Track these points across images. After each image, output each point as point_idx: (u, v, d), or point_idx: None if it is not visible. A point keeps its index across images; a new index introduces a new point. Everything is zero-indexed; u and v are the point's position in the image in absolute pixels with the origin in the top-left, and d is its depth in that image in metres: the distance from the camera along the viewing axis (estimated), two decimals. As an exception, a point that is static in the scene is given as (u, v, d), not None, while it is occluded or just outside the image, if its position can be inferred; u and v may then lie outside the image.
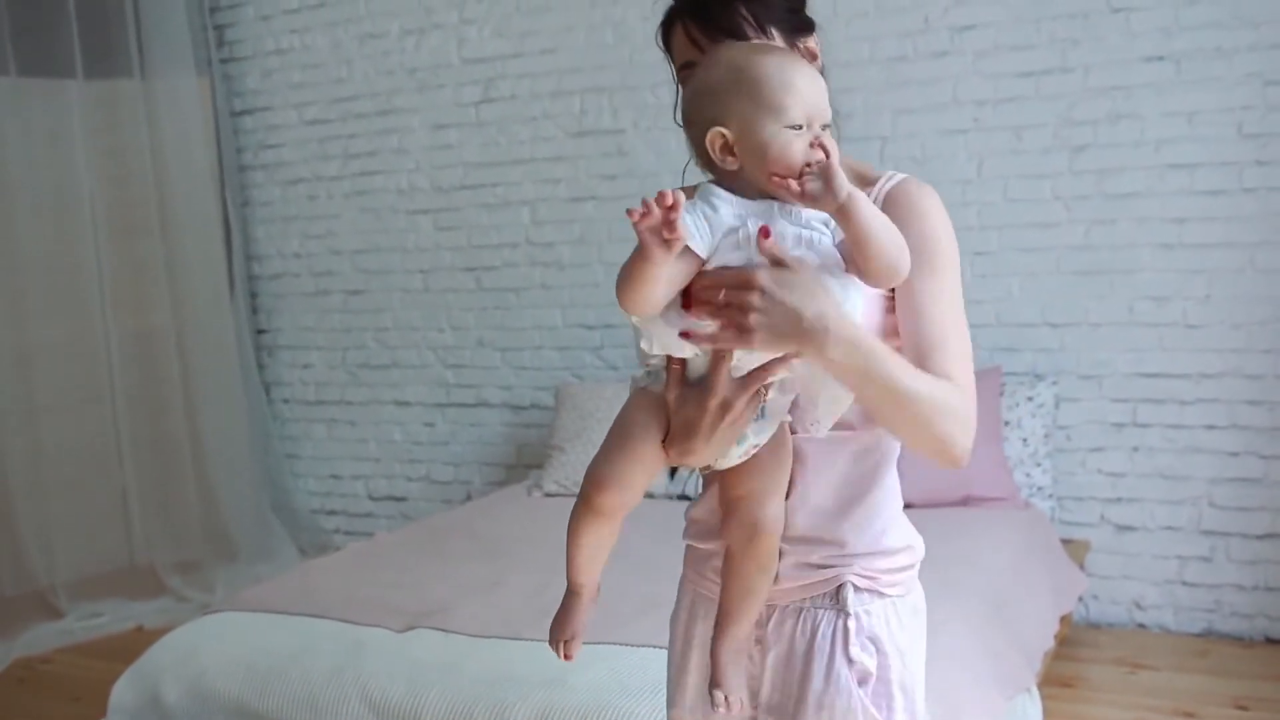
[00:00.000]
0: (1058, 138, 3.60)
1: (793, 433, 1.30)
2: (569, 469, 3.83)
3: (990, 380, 3.60)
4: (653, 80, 4.07)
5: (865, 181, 1.33)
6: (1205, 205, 3.47)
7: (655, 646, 2.30)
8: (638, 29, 4.11)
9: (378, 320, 4.76)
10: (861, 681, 1.30)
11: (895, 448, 1.36)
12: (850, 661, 1.30)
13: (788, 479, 1.30)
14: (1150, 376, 3.58)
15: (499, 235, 4.47)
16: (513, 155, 4.39)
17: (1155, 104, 3.48)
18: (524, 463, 4.51)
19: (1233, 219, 3.44)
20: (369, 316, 4.78)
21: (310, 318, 4.91)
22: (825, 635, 1.31)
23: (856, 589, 1.31)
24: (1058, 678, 3.27)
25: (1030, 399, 3.59)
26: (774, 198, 1.18)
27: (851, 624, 1.31)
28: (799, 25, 1.33)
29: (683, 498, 3.48)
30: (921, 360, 1.22)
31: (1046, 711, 2.89)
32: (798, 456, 1.30)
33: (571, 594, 1.37)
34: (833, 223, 1.18)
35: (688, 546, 1.45)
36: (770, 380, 1.20)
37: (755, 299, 1.12)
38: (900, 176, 1.33)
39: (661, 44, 1.36)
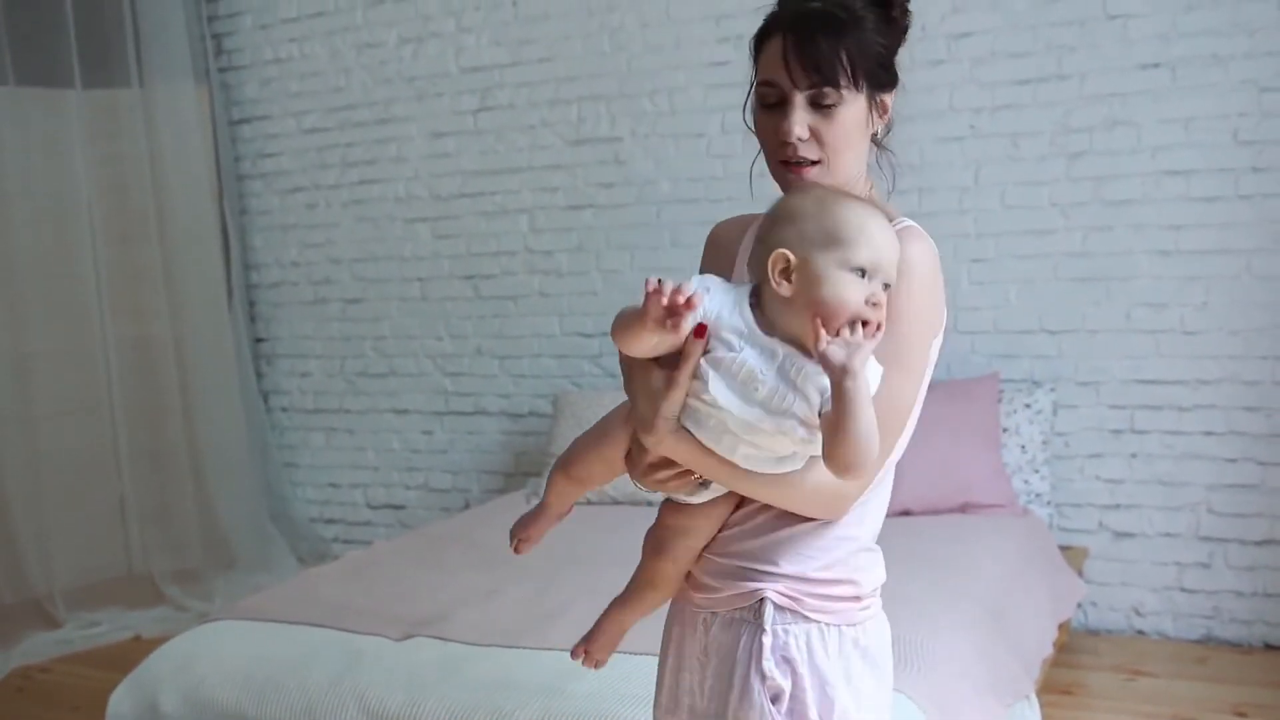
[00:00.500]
0: (1054, 145, 3.61)
1: None
2: (567, 477, 3.83)
3: (988, 387, 3.60)
4: (650, 88, 4.08)
5: None
6: (1202, 212, 3.48)
7: (653, 655, 2.30)
8: (635, 37, 4.12)
9: (376, 329, 4.76)
10: (774, 699, 1.30)
11: (872, 495, 1.38)
12: (763, 677, 1.31)
13: (717, 529, 1.38)
14: (1148, 383, 3.59)
15: (497, 243, 4.47)
16: (510, 163, 4.40)
17: (1151, 111, 3.49)
18: (522, 471, 4.51)
19: (1229, 225, 3.45)
20: (367, 325, 4.78)
21: (308, 326, 4.91)
22: (745, 648, 1.33)
23: (777, 607, 1.32)
24: (1057, 685, 3.26)
25: (1028, 406, 3.60)
26: (794, 344, 1.22)
27: (766, 640, 1.32)
28: (885, 81, 1.37)
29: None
30: None
31: (1046, 719, 2.89)
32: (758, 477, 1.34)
33: (543, 505, 1.51)
34: (825, 394, 1.19)
35: None
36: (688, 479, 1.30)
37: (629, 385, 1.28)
38: (905, 225, 1.35)
39: (752, 48, 1.39)
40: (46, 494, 4.37)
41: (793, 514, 1.34)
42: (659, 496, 1.40)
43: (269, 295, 4.98)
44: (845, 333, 1.17)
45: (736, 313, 1.24)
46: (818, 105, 1.31)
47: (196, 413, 4.70)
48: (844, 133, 1.33)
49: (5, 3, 4.27)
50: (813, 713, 1.30)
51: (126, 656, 3.44)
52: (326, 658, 2.49)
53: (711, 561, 1.39)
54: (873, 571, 1.39)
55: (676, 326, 1.18)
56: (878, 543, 1.42)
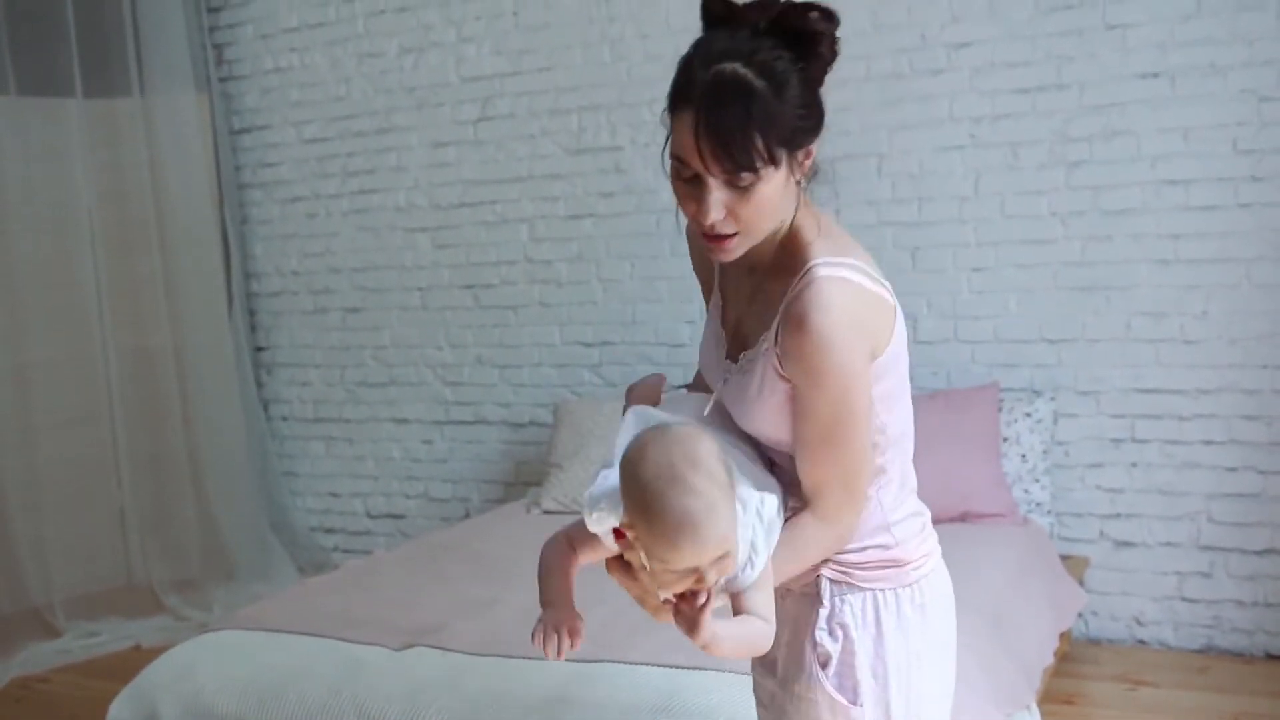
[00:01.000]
0: (1054, 154, 3.62)
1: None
2: (567, 486, 3.83)
3: (988, 396, 3.60)
4: (650, 97, 4.08)
5: (792, 268, 1.36)
6: (1201, 221, 3.48)
7: (655, 665, 2.30)
8: (635, 47, 4.13)
9: (376, 338, 4.77)
10: (824, 664, 1.43)
11: (871, 496, 1.44)
12: (814, 645, 1.44)
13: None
14: (1148, 392, 3.59)
15: (497, 253, 4.48)
16: (511, 173, 4.41)
17: (1150, 120, 3.50)
18: (522, 480, 4.50)
19: (1228, 234, 3.45)
20: (367, 334, 4.78)
21: (309, 335, 4.92)
22: (804, 620, 1.46)
23: (831, 581, 1.44)
24: (1058, 694, 3.26)
25: (1028, 415, 3.60)
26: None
27: (822, 611, 1.44)
28: (806, 139, 1.32)
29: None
30: (811, 489, 1.38)
31: (1047, 728, 2.89)
32: (789, 484, 1.43)
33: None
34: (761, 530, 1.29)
35: None
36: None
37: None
38: (811, 279, 1.33)
39: (668, 104, 1.33)
40: (46, 503, 4.37)
41: None
42: None
43: (269, 304, 4.98)
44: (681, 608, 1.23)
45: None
46: (734, 185, 1.28)
47: (196, 422, 4.70)
48: (762, 207, 1.30)
49: (7, 12, 4.28)
50: (864, 674, 1.42)
51: (126, 666, 3.44)
52: (326, 667, 2.48)
53: None
54: (917, 537, 1.48)
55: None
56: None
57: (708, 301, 1.59)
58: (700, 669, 2.22)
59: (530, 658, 2.40)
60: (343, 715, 2.35)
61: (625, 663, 2.32)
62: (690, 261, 1.62)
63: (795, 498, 1.42)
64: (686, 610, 1.21)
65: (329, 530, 4.97)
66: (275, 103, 4.83)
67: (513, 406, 4.53)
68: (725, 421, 1.47)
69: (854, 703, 1.41)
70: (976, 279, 3.75)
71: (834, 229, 1.41)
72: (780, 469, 1.45)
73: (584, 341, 4.37)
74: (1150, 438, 3.60)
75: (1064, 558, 3.55)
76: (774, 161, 1.28)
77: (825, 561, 1.44)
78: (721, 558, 1.20)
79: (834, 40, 1.31)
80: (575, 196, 4.30)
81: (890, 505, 1.46)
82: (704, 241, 1.36)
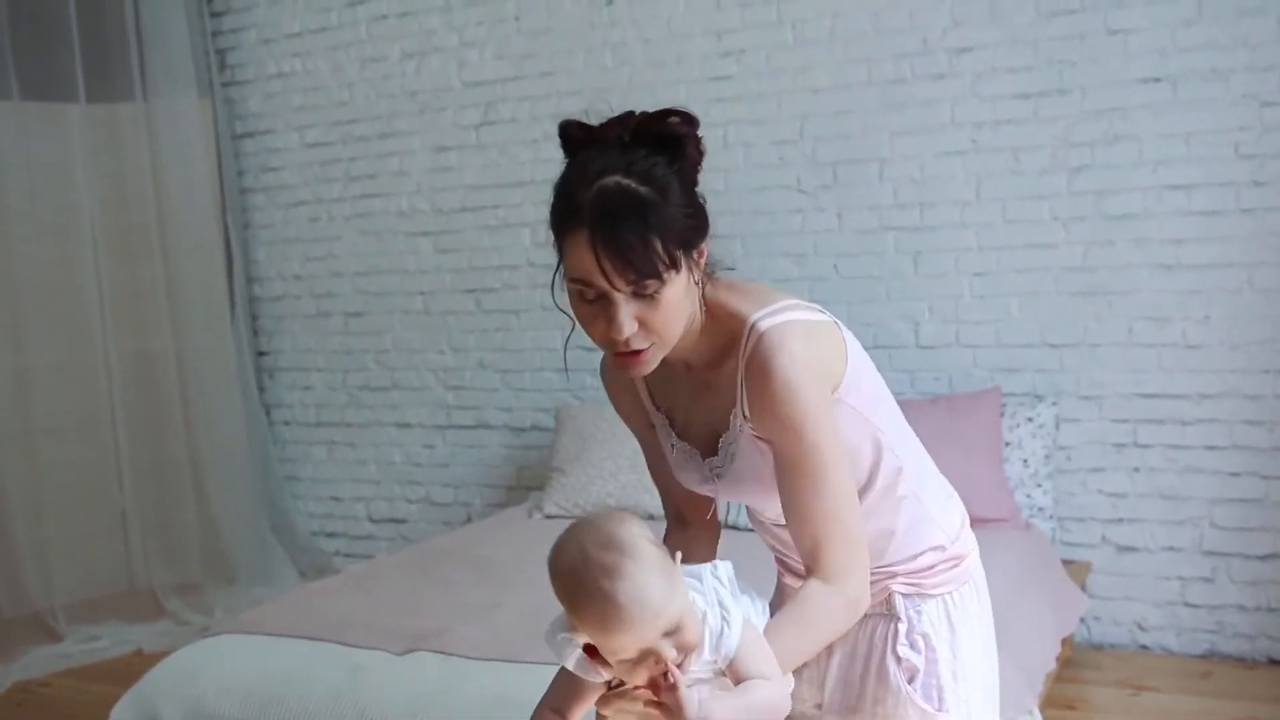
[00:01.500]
0: (1055, 159, 3.62)
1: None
2: (569, 491, 3.83)
3: (990, 401, 3.60)
4: (652, 102, 4.07)
5: (731, 340, 1.35)
6: (1203, 226, 3.48)
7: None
8: (637, 51, 4.13)
9: (378, 342, 4.77)
10: (910, 678, 1.43)
11: (907, 494, 1.45)
12: (898, 660, 1.43)
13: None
14: (1150, 397, 3.59)
15: (499, 257, 4.48)
16: (513, 177, 4.41)
17: (1152, 125, 3.50)
18: (524, 484, 4.50)
19: (1230, 239, 3.45)
20: (369, 338, 4.78)
21: (311, 339, 4.92)
22: (880, 638, 1.45)
23: (904, 596, 1.45)
24: (1060, 699, 3.25)
25: (1030, 420, 3.59)
26: None
27: (901, 626, 1.44)
28: (698, 239, 1.32)
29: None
30: (809, 551, 1.32)
31: (1049, 733, 2.88)
32: None
33: None
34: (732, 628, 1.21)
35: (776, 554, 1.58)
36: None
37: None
38: (758, 334, 1.32)
39: (552, 228, 1.33)
40: (48, 507, 4.37)
41: (872, 545, 1.40)
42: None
43: (271, 308, 4.99)
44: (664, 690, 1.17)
45: None
46: (640, 295, 1.27)
47: (198, 426, 4.70)
48: (670, 312, 1.29)
49: (10, 17, 4.29)
50: (946, 679, 1.43)
51: (127, 670, 3.44)
52: (327, 672, 2.48)
53: None
54: (963, 529, 1.52)
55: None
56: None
57: (643, 435, 1.58)
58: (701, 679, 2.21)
59: (531, 662, 2.40)
60: (343, 719, 2.34)
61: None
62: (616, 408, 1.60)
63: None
64: (664, 699, 1.16)
65: (330, 534, 4.97)
66: (278, 107, 4.84)
67: (515, 411, 4.53)
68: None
69: (940, 709, 1.42)
70: (978, 284, 3.75)
71: (744, 286, 1.40)
72: None
73: (586, 346, 4.33)
74: (1152, 443, 3.60)
75: (1066, 562, 3.54)
76: (674, 265, 1.27)
77: (893, 577, 1.44)
78: (672, 632, 1.16)
79: (698, 140, 1.31)
80: (577, 201, 4.29)
81: (930, 499, 1.48)
82: (617, 360, 1.33)
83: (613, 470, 3.74)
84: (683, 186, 1.29)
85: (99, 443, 4.56)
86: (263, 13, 4.80)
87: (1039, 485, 3.58)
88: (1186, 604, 3.60)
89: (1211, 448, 3.53)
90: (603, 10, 4.18)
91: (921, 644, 1.44)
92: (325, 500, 4.98)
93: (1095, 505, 3.68)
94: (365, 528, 4.89)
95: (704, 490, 1.49)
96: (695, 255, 1.32)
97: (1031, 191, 3.66)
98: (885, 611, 1.46)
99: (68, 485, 4.45)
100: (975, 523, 3.42)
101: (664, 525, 1.62)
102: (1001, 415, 3.60)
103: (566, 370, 1.42)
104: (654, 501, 2.58)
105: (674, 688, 1.15)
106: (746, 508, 1.53)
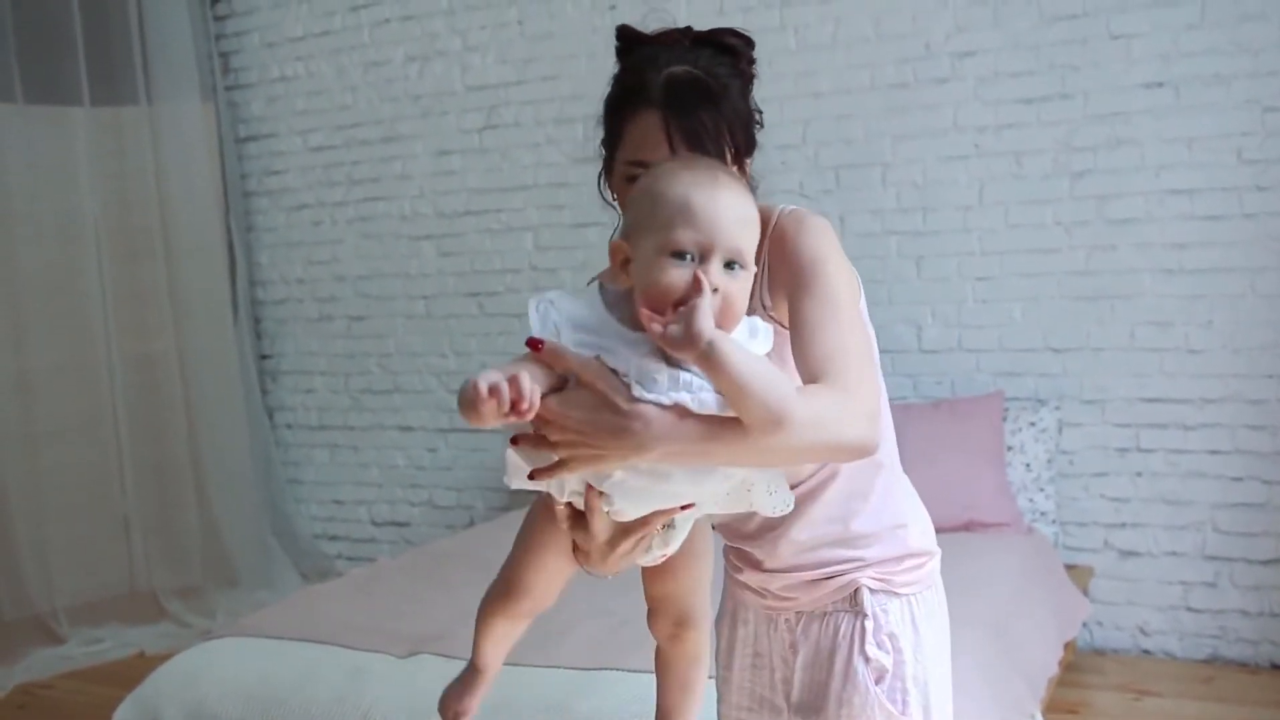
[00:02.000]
0: (1058, 164, 3.62)
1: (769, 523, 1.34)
2: (571, 494, 3.83)
3: (993, 405, 3.60)
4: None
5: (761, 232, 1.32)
6: (1206, 230, 3.48)
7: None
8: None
9: (380, 345, 4.77)
10: (878, 679, 1.36)
11: (880, 461, 1.40)
12: (867, 660, 1.37)
13: (709, 569, 1.34)
14: (1153, 401, 3.58)
15: (502, 261, 4.48)
16: (516, 181, 4.42)
17: (1155, 130, 3.50)
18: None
19: (1233, 244, 3.45)
20: (372, 342, 4.79)
21: (313, 343, 4.92)
22: (845, 635, 1.38)
23: (872, 591, 1.38)
24: (1062, 704, 3.25)
25: (1033, 424, 3.59)
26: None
27: (869, 624, 1.37)
28: (754, 136, 1.32)
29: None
30: (816, 370, 1.17)
31: (1051, 738, 2.88)
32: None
33: (473, 670, 1.44)
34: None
35: (725, 548, 1.49)
36: (656, 526, 1.18)
37: (551, 431, 1.08)
38: (788, 210, 1.31)
39: (608, 115, 1.30)
40: (50, 510, 4.37)
41: (843, 507, 1.36)
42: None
43: (274, 312, 4.99)
44: (672, 318, 1.06)
45: (590, 315, 1.13)
46: None
47: (200, 429, 4.71)
48: None
49: (14, 21, 4.30)
50: (910, 683, 1.37)
51: (129, 673, 3.44)
52: (330, 675, 2.48)
53: (781, 577, 1.40)
54: (929, 535, 1.46)
55: (521, 416, 1.05)
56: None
57: None
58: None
59: (534, 665, 2.40)
60: (346, 723, 2.34)
61: (627, 670, 2.32)
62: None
63: None
64: (685, 308, 1.04)
65: (333, 538, 4.97)
66: (281, 111, 4.85)
67: (517, 414, 4.52)
68: None
69: (904, 713, 1.38)
70: (981, 288, 3.75)
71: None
72: None
73: (588, 350, 4.37)
74: (1155, 447, 3.59)
75: (1068, 567, 3.54)
76: (740, 164, 1.27)
77: (862, 568, 1.36)
78: (733, 264, 1.08)
79: (752, 60, 1.30)
80: (580, 205, 4.30)
81: (902, 478, 1.44)
82: None
83: (615, 474, 3.73)
84: (743, 89, 1.29)
85: (101, 445, 4.57)
86: (266, 16, 4.81)
87: (1041, 490, 3.58)
88: (1189, 609, 3.60)
89: (1214, 452, 3.52)
90: (605, 14, 4.18)
91: (889, 644, 1.38)
92: (327, 503, 4.98)
93: (1098, 510, 3.68)
94: (367, 531, 4.89)
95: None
96: (748, 165, 1.32)
97: (1034, 196, 3.66)
98: (851, 608, 1.39)
99: (69, 487, 4.45)
100: (977, 526, 3.46)
101: None
102: (1004, 420, 3.60)
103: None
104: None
105: (693, 309, 1.04)
106: None
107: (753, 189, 1.33)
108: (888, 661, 1.37)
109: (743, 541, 1.43)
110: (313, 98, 4.77)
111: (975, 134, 3.71)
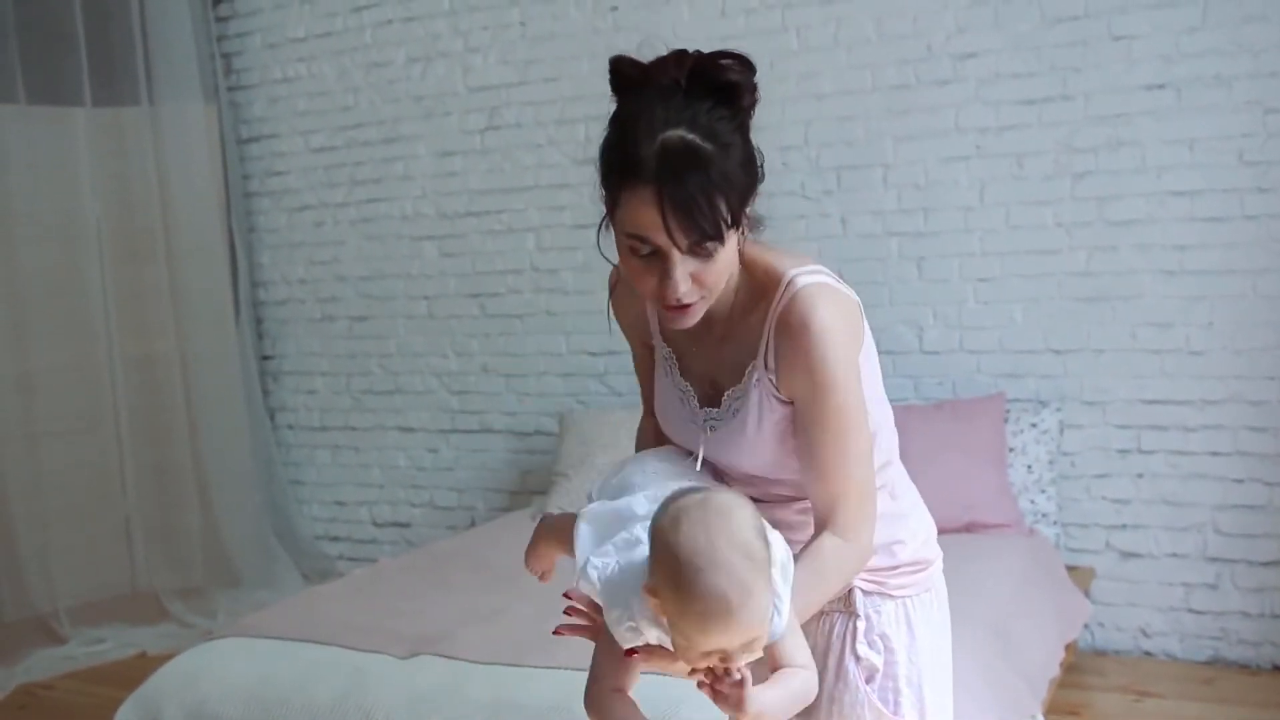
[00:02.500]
0: (1059, 165, 3.62)
1: None
2: (573, 495, 3.83)
3: (994, 407, 3.60)
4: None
5: (764, 292, 1.35)
6: (1207, 232, 3.48)
7: (658, 675, 2.30)
8: (641, 57, 4.13)
9: (382, 346, 4.77)
10: (869, 678, 1.41)
11: (884, 484, 1.43)
12: (857, 659, 1.42)
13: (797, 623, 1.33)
14: (1154, 403, 3.58)
15: (503, 262, 4.48)
16: (517, 182, 4.42)
17: (1156, 131, 3.50)
18: (528, 489, 4.50)
19: (1234, 245, 3.45)
20: (373, 343, 4.79)
21: (315, 344, 4.93)
22: (838, 635, 1.43)
23: (865, 593, 1.43)
24: (1064, 705, 3.25)
25: (1034, 425, 3.59)
26: None
27: (860, 624, 1.42)
28: (753, 183, 1.30)
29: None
30: (826, 506, 1.33)
31: (1052, 740, 2.88)
32: (785, 525, 1.37)
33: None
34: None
35: None
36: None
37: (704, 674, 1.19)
38: (800, 286, 1.32)
39: (606, 182, 1.29)
40: (51, 510, 4.38)
41: None
42: None
43: (276, 313, 5.00)
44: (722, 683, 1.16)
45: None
46: (697, 254, 1.26)
47: (202, 430, 4.71)
48: (722, 270, 1.29)
49: (16, 22, 4.30)
50: (903, 684, 1.42)
51: (131, 674, 3.44)
52: (331, 676, 2.48)
53: None
54: (929, 540, 1.50)
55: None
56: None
57: (637, 349, 1.58)
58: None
59: (535, 666, 2.40)
60: (347, 723, 2.35)
61: (630, 672, 2.32)
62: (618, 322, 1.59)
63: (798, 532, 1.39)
64: (726, 691, 1.15)
65: (334, 539, 4.98)
66: (283, 112, 4.85)
67: (518, 415, 4.53)
68: (715, 473, 1.44)
69: (896, 713, 1.41)
70: (982, 289, 3.75)
71: (777, 247, 1.41)
72: (777, 506, 1.44)
73: (590, 351, 4.38)
74: (1156, 449, 3.59)
75: (1070, 568, 3.54)
76: (736, 224, 1.27)
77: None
78: (750, 642, 1.16)
79: (754, 88, 1.30)
80: (581, 206, 4.30)
81: (903, 497, 1.48)
82: (665, 311, 1.32)
83: (616, 475, 3.73)
84: (743, 140, 1.28)
85: (102, 445, 4.57)
86: (268, 18, 4.81)
87: (1043, 491, 3.58)
88: (1190, 610, 3.60)
89: (1215, 454, 3.52)
90: (607, 16, 4.19)
91: (880, 644, 1.42)
92: (329, 504, 4.98)
93: (1099, 511, 3.68)
94: (369, 531, 4.89)
95: (685, 439, 1.46)
96: (748, 211, 1.32)
97: (1035, 197, 3.66)
98: (844, 608, 1.43)
99: (71, 488, 4.46)
100: (979, 528, 3.46)
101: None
102: (1005, 421, 3.60)
103: (609, 326, 1.40)
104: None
105: (740, 684, 1.14)
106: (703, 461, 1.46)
107: (756, 226, 1.35)
108: (878, 661, 1.41)
109: None
110: (315, 98, 4.78)
111: (976, 135, 3.71)
